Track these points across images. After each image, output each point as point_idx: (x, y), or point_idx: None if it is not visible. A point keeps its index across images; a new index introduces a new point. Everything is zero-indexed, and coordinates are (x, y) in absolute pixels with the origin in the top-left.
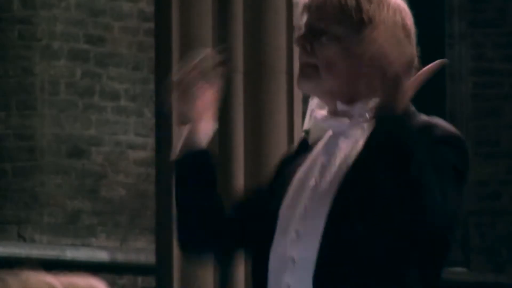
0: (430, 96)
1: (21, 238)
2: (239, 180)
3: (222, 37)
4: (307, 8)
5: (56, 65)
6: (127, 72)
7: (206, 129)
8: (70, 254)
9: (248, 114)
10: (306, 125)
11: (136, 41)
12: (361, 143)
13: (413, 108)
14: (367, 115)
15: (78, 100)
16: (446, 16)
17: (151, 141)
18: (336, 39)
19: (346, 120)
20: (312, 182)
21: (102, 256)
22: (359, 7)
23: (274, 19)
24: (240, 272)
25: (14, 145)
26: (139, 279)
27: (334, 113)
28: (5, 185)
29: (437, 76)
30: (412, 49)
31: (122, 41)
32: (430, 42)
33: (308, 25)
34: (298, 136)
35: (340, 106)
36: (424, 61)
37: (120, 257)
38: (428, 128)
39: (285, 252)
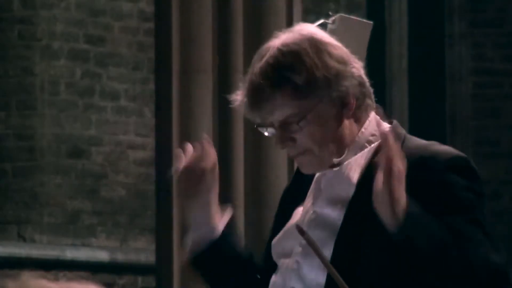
0: (430, 96)
1: (21, 238)
2: (239, 180)
3: (222, 37)
4: (259, 113)
5: (56, 65)
6: (127, 72)
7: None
8: (70, 254)
9: None
10: None
11: (136, 41)
12: (357, 173)
13: (403, 132)
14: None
15: (78, 100)
16: (446, 16)
17: (151, 141)
18: (305, 120)
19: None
20: (311, 211)
21: (102, 256)
22: (294, 84)
23: (274, 19)
24: None
25: (14, 145)
26: (139, 279)
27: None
28: (5, 185)
29: (437, 76)
30: (355, 70)
31: (122, 41)
32: (430, 42)
33: (276, 126)
34: None
35: (337, 160)
36: (424, 61)
37: (120, 257)
38: (430, 159)
39: (285, 282)
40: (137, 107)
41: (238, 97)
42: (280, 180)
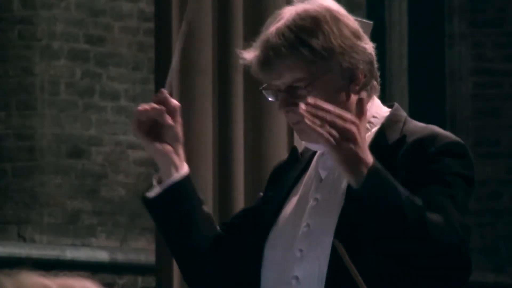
0: (430, 96)
1: (21, 238)
2: (239, 180)
3: (222, 37)
4: (268, 73)
5: (56, 65)
6: (127, 72)
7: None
8: (70, 254)
9: (248, 114)
10: None
11: (136, 41)
12: None
13: (404, 114)
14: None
15: (78, 100)
16: (446, 16)
17: None
18: (313, 86)
19: None
20: (312, 199)
21: (102, 256)
22: (310, 48)
23: None
24: None
25: (14, 145)
26: (139, 279)
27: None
28: (5, 185)
29: (437, 76)
30: (367, 47)
31: (122, 41)
32: (430, 42)
33: (282, 89)
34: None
35: None
36: (424, 61)
37: (120, 257)
38: (427, 140)
39: (287, 271)
40: (137, 107)
41: (248, 55)
42: None
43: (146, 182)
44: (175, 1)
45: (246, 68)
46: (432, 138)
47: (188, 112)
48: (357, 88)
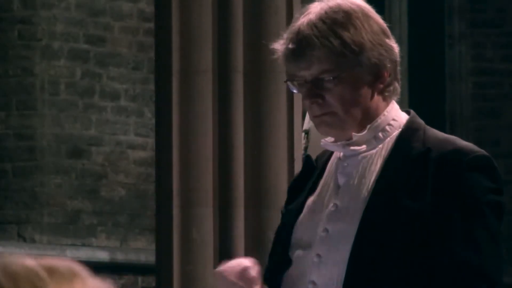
0: (430, 96)
1: (21, 238)
2: (239, 180)
3: (222, 37)
4: (297, 63)
5: (56, 65)
6: (127, 72)
7: None
8: (70, 254)
9: (248, 114)
10: (306, 125)
11: (136, 41)
12: (378, 164)
13: (422, 122)
14: (380, 136)
15: (78, 100)
16: (446, 16)
17: (151, 141)
18: (339, 79)
19: (362, 147)
20: (331, 204)
21: (102, 256)
22: (341, 40)
23: (274, 19)
24: None
25: (14, 145)
26: (139, 279)
27: (347, 143)
28: (5, 185)
29: (437, 76)
30: (395, 46)
31: (122, 41)
32: (430, 42)
33: (308, 80)
34: (298, 136)
35: (355, 137)
36: (424, 61)
37: (120, 257)
38: (452, 156)
39: (304, 276)
40: (137, 107)
41: (279, 46)
42: (280, 179)
43: (146, 182)
44: (175, 1)
45: (246, 68)
46: (457, 154)
47: (188, 112)
48: (382, 86)
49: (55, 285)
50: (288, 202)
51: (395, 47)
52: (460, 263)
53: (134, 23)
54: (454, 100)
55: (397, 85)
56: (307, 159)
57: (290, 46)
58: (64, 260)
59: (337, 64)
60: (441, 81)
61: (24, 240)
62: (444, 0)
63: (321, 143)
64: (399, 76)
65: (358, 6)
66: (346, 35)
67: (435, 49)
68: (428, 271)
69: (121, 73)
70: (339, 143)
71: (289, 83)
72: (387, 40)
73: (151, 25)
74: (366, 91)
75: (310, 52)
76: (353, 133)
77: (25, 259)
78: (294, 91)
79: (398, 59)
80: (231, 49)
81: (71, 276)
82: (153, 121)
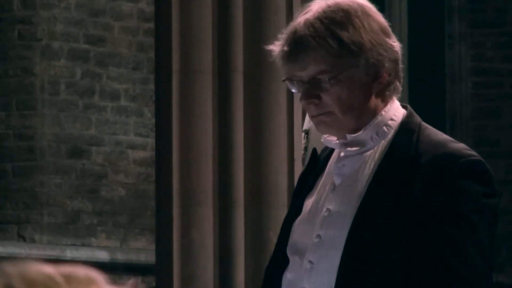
0: (430, 96)
1: (21, 238)
2: (239, 180)
3: (222, 37)
4: (294, 63)
5: (56, 65)
6: (127, 72)
7: None
8: (70, 254)
9: (248, 114)
10: (306, 125)
11: (136, 41)
12: (372, 167)
13: (418, 121)
14: (377, 137)
15: (78, 100)
16: (446, 16)
17: (151, 141)
18: (336, 80)
19: (358, 148)
20: (325, 209)
21: (102, 256)
22: (339, 40)
23: (274, 19)
24: (240, 273)
25: (14, 145)
26: (139, 279)
27: (344, 143)
28: (5, 185)
29: (437, 76)
30: (395, 45)
31: (122, 41)
32: (430, 42)
33: (305, 81)
34: (298, 135)
35: (350, 137)
36: (424, 61)
37: (120, 257)
38: (444, 160)
39: (298, 282)
40: (137, 107)
41: (276, 47)
42: (280, 179)
43: (146, 182)
44: (175, 1)
45: (246, 68)
46: (449, 158)
47: (188, 112)
48: (380, 86)
49: None
50: (295, 194)
51: (396, 45)
52: (444, 271)
53: (134, 23)
54: (454, 100)
55: (398, 84)
56: (313, 152)
57: (286, 47)
58: (82, 267)
59: (334, 64)
60: (441, 81)
61: (24, 240)
62: (444, 0)
63: (322, 139)
64: (400, 74)
65: (358, 4)
66: (344, 35)
67: (435, 49)
68: (416, 278)
69: (121, 73)
70: (337, 141)
71: (287, 82)
72: (387, 39)
73: (151, 25)
74: (364, 91)
75: (306, 53)
76: (348, 134)
77: (43, 266)
78: (293, 90)
79: (400, 57)
80: (231, 49)
81: (88, 282)
82: (153, 121)
